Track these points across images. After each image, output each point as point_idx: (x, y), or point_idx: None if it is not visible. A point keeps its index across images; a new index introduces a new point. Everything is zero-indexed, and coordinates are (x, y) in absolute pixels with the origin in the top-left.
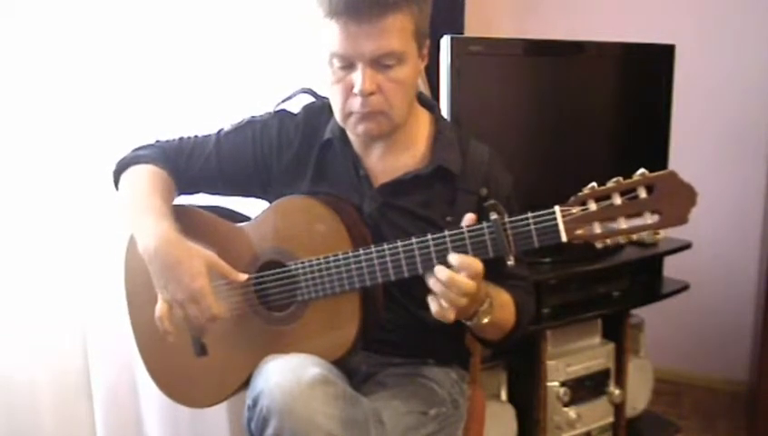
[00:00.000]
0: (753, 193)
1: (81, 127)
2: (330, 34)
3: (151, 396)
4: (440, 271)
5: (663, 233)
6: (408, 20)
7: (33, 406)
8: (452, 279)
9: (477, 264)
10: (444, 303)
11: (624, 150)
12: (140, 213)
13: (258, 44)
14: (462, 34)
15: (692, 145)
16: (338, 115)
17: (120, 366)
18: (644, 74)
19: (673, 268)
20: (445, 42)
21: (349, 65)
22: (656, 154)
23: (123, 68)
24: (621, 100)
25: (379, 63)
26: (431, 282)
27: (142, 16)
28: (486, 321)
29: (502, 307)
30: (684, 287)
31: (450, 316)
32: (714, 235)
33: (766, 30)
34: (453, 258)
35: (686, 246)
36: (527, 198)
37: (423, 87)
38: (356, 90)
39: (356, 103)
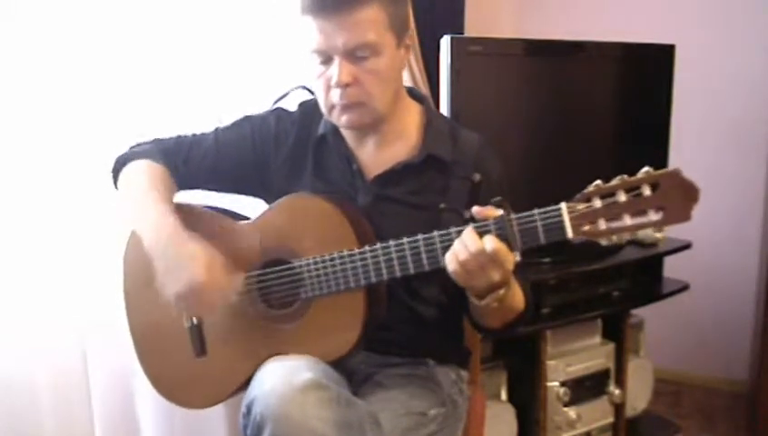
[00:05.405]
0: (753, 193)
1: (80, 127)
2: (307, 32)
3: (147, 396)
4: (490, 240)
5: (664, 233)
6: (380, 12)
7: (32, 406)
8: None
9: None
10: (479, 274)
11: (624, 150)
12: (142, 209)
13: (253, 42)
14: (462, 34)
15: (692, 145)
16: (323, 109)
17: (117, 367)
18: (644, 74)
19: (673, 268)
20: (445, 42)
21: (327, 60)
22: (656, 154)
23: (122, 68)
24: (621, 100)
25: (353, 55)
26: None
27: (139, 16)
28: (495, 305)
29: (513, 296)
30: (684, 287)
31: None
32: (714, 235)
33: (766, 30)
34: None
35: (686, 246)
36: (527, 197)
37: (423, 87)
38: (332, 82)
39: (335, 95)
